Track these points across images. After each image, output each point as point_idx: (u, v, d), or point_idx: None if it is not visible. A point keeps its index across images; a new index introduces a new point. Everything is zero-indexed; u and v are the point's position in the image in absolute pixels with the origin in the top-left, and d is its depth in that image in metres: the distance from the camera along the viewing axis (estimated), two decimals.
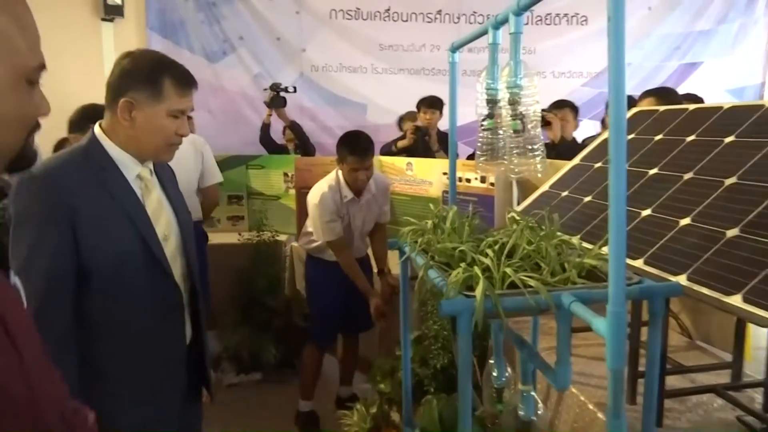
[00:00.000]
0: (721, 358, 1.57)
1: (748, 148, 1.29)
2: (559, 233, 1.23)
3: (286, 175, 4.05)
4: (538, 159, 1.17)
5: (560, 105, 3.81)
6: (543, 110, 3.41)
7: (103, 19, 5.74)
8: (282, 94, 4.21)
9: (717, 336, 1.68)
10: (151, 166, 1.50)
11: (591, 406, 1.34)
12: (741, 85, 5.91)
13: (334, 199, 2.90)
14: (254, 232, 3.78)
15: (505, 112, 1.18)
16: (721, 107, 1.52)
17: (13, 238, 1.32)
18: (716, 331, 1.68)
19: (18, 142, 0.69)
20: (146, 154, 1.46)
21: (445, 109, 4.13)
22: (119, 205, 1.39)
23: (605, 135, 1.89)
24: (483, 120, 1.30)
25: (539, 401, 1.26)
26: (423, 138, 3.91)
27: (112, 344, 1.38)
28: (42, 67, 0.71)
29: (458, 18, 5.90)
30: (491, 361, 1.36)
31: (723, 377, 1.39)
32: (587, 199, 1.61)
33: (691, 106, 1.66)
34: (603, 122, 4.23)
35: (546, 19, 5.88)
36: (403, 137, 4.07)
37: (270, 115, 4.51)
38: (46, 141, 2.18)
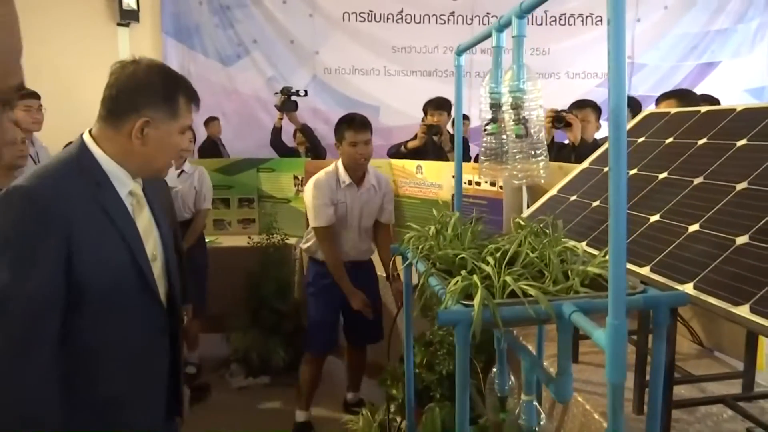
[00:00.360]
0: (733, 367, 1.53)
1: (761, 151, 1.26)
2: (564, 239, 1.21)
3: (296, 178, 4.06)
4: (541, 164, 1.15)
5: (581, 105, 3.66)
6: (563, 111, 3.35)
7: (119, 24, 5.82)
8: (293, 97, 4.22)
9: (729, 344, 1.63)
10: (141, 182, 1.43)
11: (596, 416, 1.32)
12: (760, 84, 5.82)
13: (329, 183, 2.85)
14: (264, 235, 3.78)
15: (508, 116, 1.16)
16: (734, 109, 1.48)
17: None
18: (728, 338, 1.64)
19: None
20: (149, 171, 1.40)
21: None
22: (113, 224, 1.31)
23: None
24: (487, 124, 1.28)
25: (542, 411, 1.23)
26: (433, 138, 3.83)
27: (100, 368, 1.32)
28: (19, 88, 0.64)
29: (471, 19, 5.88)
30: (494, 370, 1.34)
31: (734, 387, 1.35)
32: (595, 203, 1.58)
33: (704, 108, 1.62)
34: None
35: (560, 19, 5.84)
36: (414, 138, 4.03)
37: (281, 118, 4.52)
38: (59, 146, 2.19)
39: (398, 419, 2.10)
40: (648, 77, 5.87)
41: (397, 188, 3.57)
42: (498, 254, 1.11)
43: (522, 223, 1.29)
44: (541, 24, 5.87)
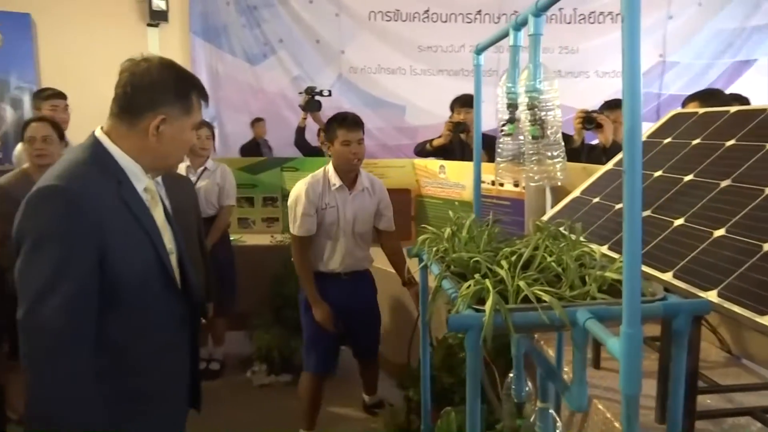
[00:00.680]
0: (763, 377, 1.48)
1: None
2: (584, 243, 1.17)
3: None
4: (558, 165, 1.12)
5: (614, 105, 3.48)
6: (594, 112, 3.26)
7: (149, 25, 5.92)
8: (317, 97, 4.22)
9: (759, 352, 1.57)
10: (158, 178, 1.48)
11: (617, 425, 1.28)
12: None
13: (315, 189, 2.70)
14: (287, 234, 3.79)
15: (524, 116, 1.13)
16: (765, 109, 1.42)
17: (30, 258, 1.21)
18: (758, 346, 1.58)
19: None
20: (162, 166, 1.42)
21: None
22: (137, 220, 1.33)
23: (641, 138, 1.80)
24: (503, 125, 1.25)
25: (558, 419, 1.20)
26: (460, 135, 3.76)
27: (126, 362, 1.34)
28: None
29: (498, 18, 5.82)
30: (511, 375, 1.31)
31: (764, 398, 1.30)
32: (618, 206, 1.53)
33: (733, 108, 1.57)
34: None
35: (590, 17, 5.74)
36: (439, 136, 3.98)
37: (305, 118, 4.53)
38: None
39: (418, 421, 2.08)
40: (680, 76, 5.72)
41: (419, 188, 3.56)
42: (513, 258, 1.08)
43: (541, 225, 1.27)
44: (570, 22, 5.77)
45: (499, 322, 0.92)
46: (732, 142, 1.41)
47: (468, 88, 4.74)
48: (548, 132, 1.10)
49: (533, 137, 1.11)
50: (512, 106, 1.22)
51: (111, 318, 1.28)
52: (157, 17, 5.88)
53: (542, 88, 1.09)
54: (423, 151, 3.94)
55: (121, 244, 1.28)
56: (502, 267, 1.04)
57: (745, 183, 1.25)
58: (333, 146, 2.73)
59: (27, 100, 4.46)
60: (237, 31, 6.06)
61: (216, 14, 6.04)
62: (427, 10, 5.95)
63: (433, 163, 3.49)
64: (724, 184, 1.29)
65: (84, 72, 4.93)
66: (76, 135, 3.45)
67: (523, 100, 1.14)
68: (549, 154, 1.11)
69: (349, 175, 2.78)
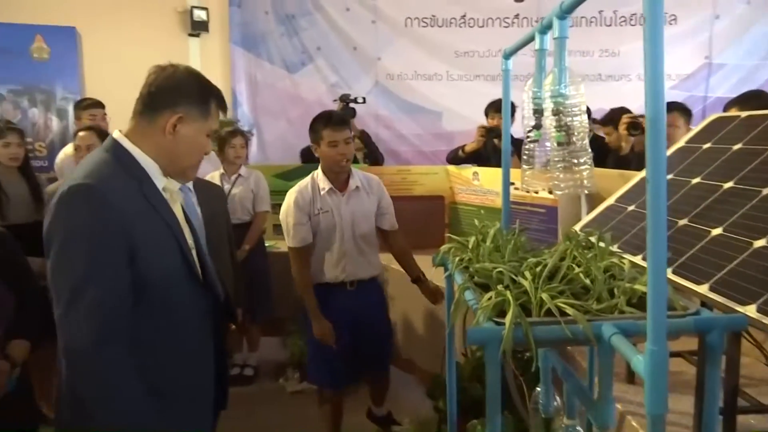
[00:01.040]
0: None
1: None
2: (615, 253, 1.13)
3: None
4: (585, 173, 1.08)
5: (666, 109, 3.32)
6: (641, 116, 3.14)
7: (190, 35, 6.06)
8: (351, 105, 4.23)
9: None
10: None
11: None
12: None
13: (305, 197, 2.56)
14: None
15: (549, 122, 1.10)
16: None
17: (62, 256, 1.24)
18: None
19: None
20: (176, 168, 1.44)
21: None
22: (160, 216, 1.37)
23: (679, 144, 1.74)
24: (529, 131, 1.22)
25: None
26: (494, 141, 3.69)
27: (154, 357, 1.36)
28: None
29: (537, 21, 5.67)
30: (538, 389, 1.27)
31: None
32: None
33: None
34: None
35: (631, 19, 5.59)
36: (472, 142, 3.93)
37: None
38: None
39: None
40: (727, 78, 5.51)
41: (453, 195, 3.51)
42: (537, 269, 1.05)
43: (571, 234, 1.22)
44: (611, 24, 5.63)
45: (519, 336, 0.89)
46: None
47: None
48: (574, 138, 1.06)
49: (558, 144, 1.07)
50: (538, 112, 1.19)
51: (138, 314, 1.31)
52: (198, 27, 6.00)
53: (567, 93, 1.05)
54: (456, 157, 3.89)
55: (148, 240, 1.32)
56: (525, 278, 1.01)
57: None
58: (319, 148, 2.57)
59: (72, 111, 4.62)
60: (275, 40, 6.13)
61: (255, 24, 6.13)
62: (464, 15, 5.90)
63: (467, 170, 3.45)
64: (765, 191, 1.23)
65: (127, 82, 5.04)
66: None
67: (548, 105, 1.10)
68: (575, 161, 1.07)
69: (340, 177, 2.62)
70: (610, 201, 1.72)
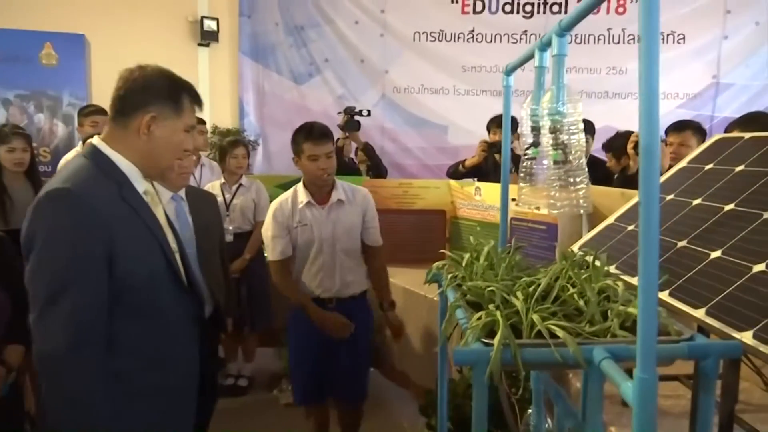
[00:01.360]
0: None
1: None
2: (612, 274, 1.11)
3: None
4: (581, 192, 1.06)
5: (680, 127, 3.15)
6: None
7: (200, 44, 6.11)
8: (356, 117, 4.23)
9: None
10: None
11: None
12: None
13: (283, 210, 2.49)
14: None
15: (546, 140, 1.08)
16: None
17: (41, 260, 1.23)
18: None
19: None
20: (155, 169, 1.44)
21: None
22: (141, 219, 1.37)
23: (681, 164, 1.72)
24: (527, 148, 1.21)
25: None
26: (495, 156, 3.68)
27: (140, 361, 1.36)
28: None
29: None
30: (530, 411, 1.25)
31: None
32: None
33: None
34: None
35: (639, 37, 5.59)
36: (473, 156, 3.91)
37: (344, 138, 4.55)
38: None
39: None
40: (735, 97, 5.49)
41: (455, 209, 3.49)
42: (530, 288, 1.03)
43: (567, 254, 1.20)
44: (619, 42, 5.64)
45: (508, 358, 0.87)
46: None
47: (512, 109, 4.69)
48: (571, 157, 1.05)
49: (555, 162, 1.05)
50: (536, 129, 1.17)
51: (121, 317, 1.31)
52: (208, 37, 6.05)
53: (565, 111, 1.04)
54: (456, 171, 3.88)
55: (129, 243, 1.32)
56: (518, 298, 0.99)
57: None
58: (300, 161, 2.47)
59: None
60: (284, 51, 6.17)
61: (264, 35, 6.17)
62: (472, 30, 5.91)
63: (469, 185, 3.43)
64: (766, 215, 1.20)
65: None
66: None
67: (545, 123, 1.09)
68: (572, 180, 1.05)
69: (321, 190, 2.52)
70: (610, 220, 1.70)
